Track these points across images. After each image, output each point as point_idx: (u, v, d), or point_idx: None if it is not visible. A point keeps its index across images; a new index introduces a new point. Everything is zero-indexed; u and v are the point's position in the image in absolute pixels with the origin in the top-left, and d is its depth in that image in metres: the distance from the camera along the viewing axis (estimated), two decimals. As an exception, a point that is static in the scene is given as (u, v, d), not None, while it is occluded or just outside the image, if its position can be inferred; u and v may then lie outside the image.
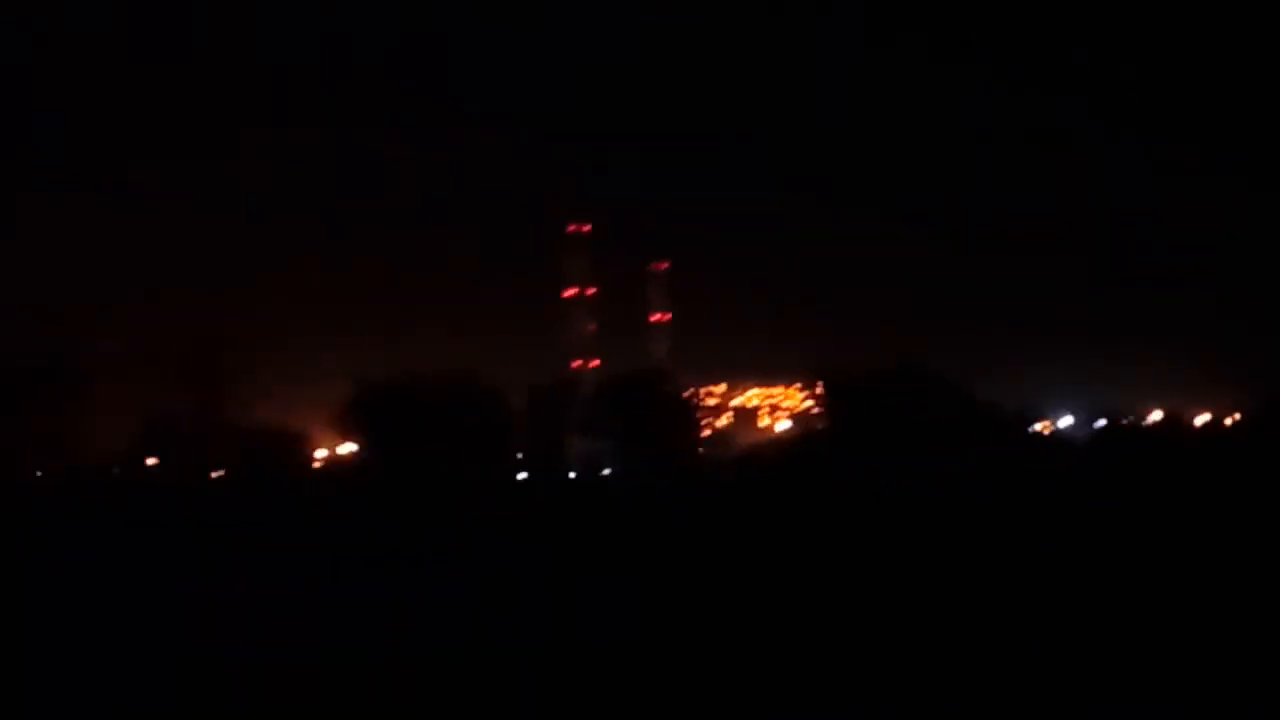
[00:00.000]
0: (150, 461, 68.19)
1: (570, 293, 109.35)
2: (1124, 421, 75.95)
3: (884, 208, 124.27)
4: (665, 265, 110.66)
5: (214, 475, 68.06)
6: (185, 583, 33.88)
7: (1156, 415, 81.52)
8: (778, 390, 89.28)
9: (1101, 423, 76.77)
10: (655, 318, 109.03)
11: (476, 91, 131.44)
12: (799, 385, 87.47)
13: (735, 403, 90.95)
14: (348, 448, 70.40)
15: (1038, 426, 79.33)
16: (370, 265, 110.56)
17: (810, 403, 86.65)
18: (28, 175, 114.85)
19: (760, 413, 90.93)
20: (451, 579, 32.13)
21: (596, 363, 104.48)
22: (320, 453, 73.42)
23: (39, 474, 66.48)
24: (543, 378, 74.95)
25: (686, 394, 73.38)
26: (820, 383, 70.98)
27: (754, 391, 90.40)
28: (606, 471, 71.44)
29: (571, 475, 69.49)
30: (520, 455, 67.36)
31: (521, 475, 67.93)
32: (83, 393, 66.42)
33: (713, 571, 32.07)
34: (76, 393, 66.13)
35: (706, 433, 77.32)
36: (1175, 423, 77.73)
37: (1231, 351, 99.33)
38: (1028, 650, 20.23)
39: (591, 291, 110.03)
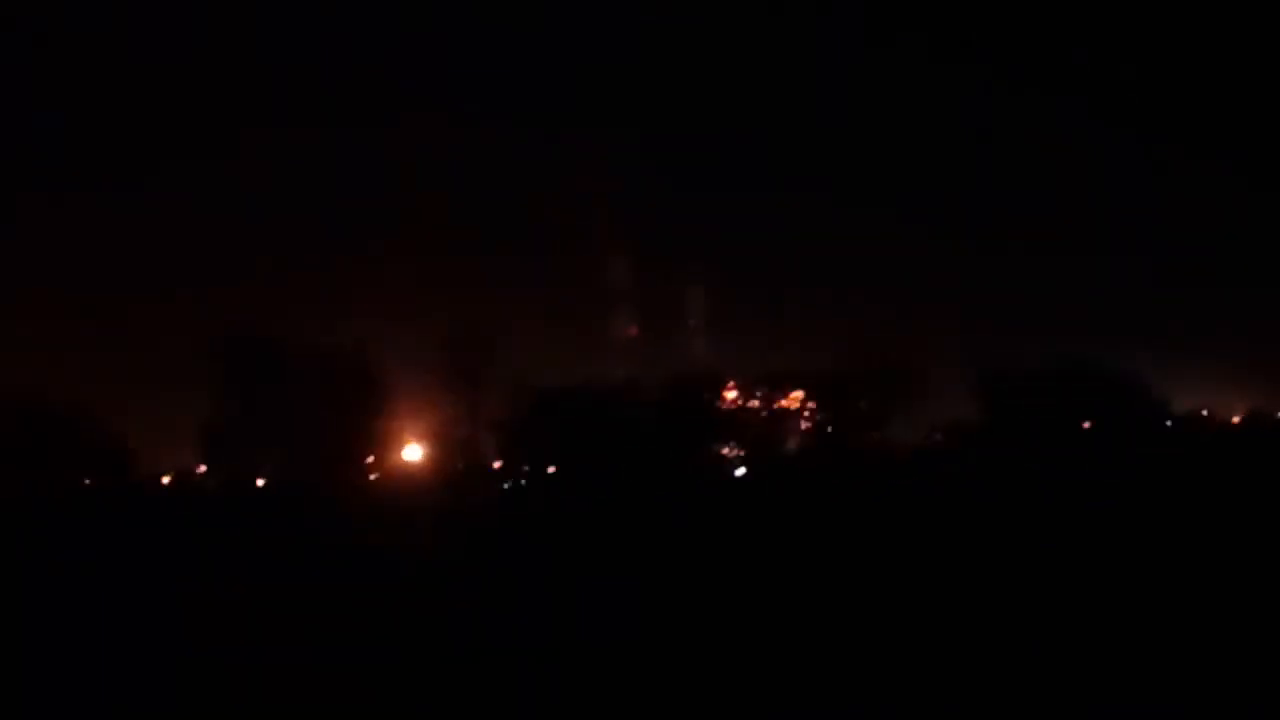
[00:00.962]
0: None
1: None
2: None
3: (884, 208, 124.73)
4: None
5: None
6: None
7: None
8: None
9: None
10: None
11: (476, 91, 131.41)
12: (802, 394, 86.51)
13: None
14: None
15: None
16: (367, 265, 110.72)
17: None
18: (28, 175, 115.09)
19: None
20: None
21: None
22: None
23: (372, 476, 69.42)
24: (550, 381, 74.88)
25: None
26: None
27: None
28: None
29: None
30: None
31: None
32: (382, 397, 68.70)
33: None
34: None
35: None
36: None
37: (1232, 351, 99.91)
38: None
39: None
